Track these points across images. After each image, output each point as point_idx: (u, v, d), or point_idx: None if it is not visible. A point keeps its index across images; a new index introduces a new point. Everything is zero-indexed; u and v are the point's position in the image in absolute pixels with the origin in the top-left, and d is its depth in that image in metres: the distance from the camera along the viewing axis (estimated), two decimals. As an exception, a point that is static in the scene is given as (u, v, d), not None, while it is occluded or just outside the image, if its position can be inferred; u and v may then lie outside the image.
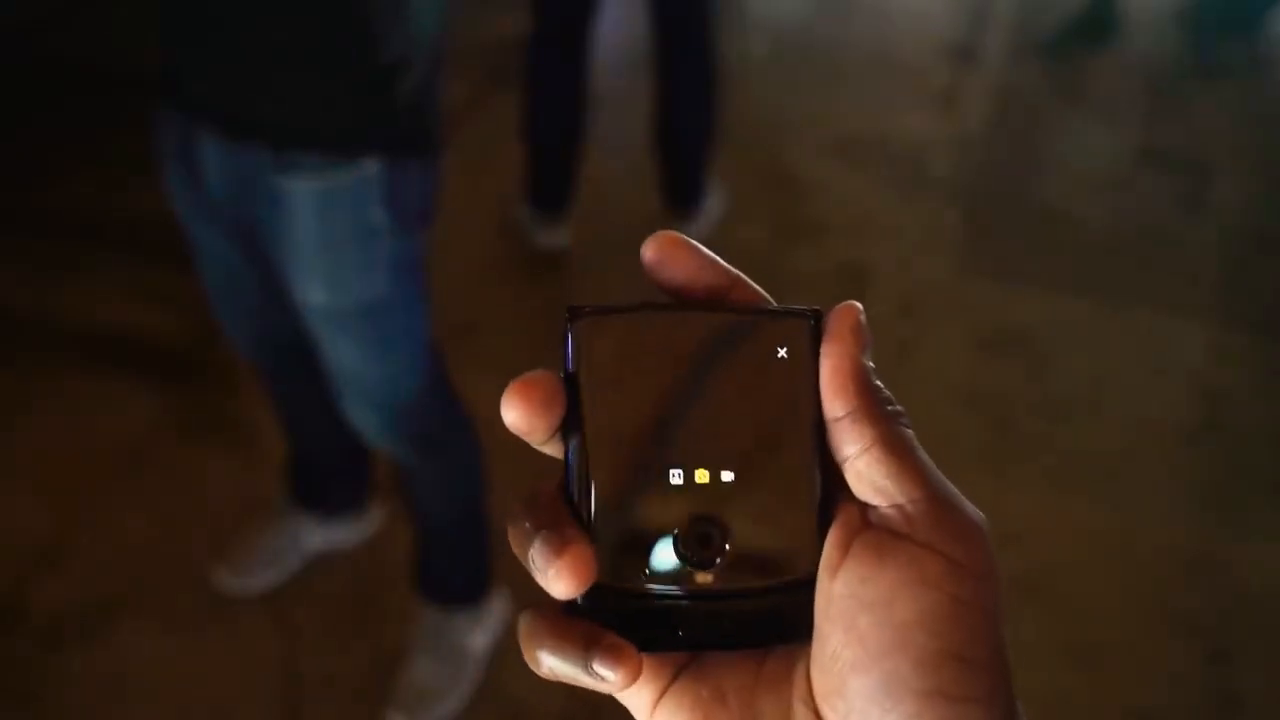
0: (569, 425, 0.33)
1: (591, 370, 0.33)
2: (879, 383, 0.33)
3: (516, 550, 0.32)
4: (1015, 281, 2.44)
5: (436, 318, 1.43)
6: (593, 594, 0.32)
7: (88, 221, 2.45)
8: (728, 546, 0.33)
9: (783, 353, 0.33)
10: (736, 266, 0.35)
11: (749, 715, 0.33)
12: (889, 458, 0.31)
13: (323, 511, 1.76)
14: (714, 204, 2.45)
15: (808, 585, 0.33)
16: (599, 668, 0.31)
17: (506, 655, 1.68)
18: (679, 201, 2.41)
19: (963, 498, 0.32)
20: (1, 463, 1.96)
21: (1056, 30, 3.18)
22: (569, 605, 0.33)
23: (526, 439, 0.33)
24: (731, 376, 0.33)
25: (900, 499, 0.31)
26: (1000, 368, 2.22)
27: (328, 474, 1.74)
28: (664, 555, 0.33)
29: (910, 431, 0.32)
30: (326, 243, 1.25)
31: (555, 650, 0.32)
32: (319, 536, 1.78)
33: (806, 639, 0.33)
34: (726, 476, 0.33)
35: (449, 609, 1.65)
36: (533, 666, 0.32)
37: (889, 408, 0.32)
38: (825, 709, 0.32)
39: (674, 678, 0.34)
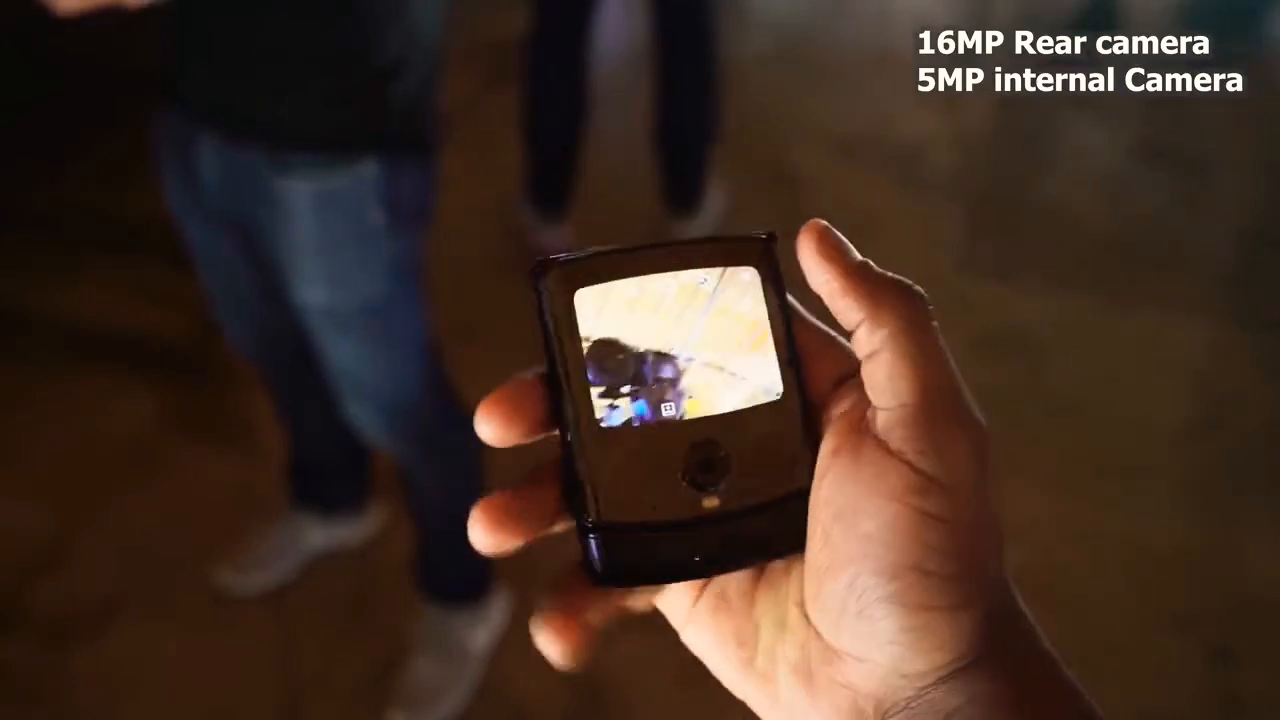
0: (553, 376, 0.33)
1: (567, 317, 0.33)
2: (882, 272, 0.33)
3: None
4: (1016, 280, 2.44)
5: (436, 318, 1.43)
6: (607, 532, 0.33)
7: (88, 221, 2.45)
8: (729, 468, 0.33)
9: (748, 275, 0.34)
10: None
11: (750, 617, 0.34)
12: (892, 359, 0.31)
13: (323, 511, 1.76)
14: (714, 203, 2.45)
15: (805, 496, 0.33)
16: (538, 636, 0.33)
17: (507, 653, 1.68)
18: (680, 201, 2.41)
19: (965, 404, 0.32)
20: (1, 463, 1.96)
21: (1057, 27, 3.18)
22: (589, 539, 0.33)
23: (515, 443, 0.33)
24: (705, 304, 0.34)
25: (892, 402, 0.31)
26: (1001, 366, 2.22)
27: (328, 473, 1.74)
28: (668, 486, 0.33)
29: (923, 318, 0.32)
30: (324, 243, 1.25)
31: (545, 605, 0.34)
32: (320, 536, 1.78)
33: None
34: (715, 401, 0.33)
35: (450, 608, 1.65)
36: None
37: (903, 302, 0.32)
38: (809, 611, 0.33)
39: (702, 589, 0.35)
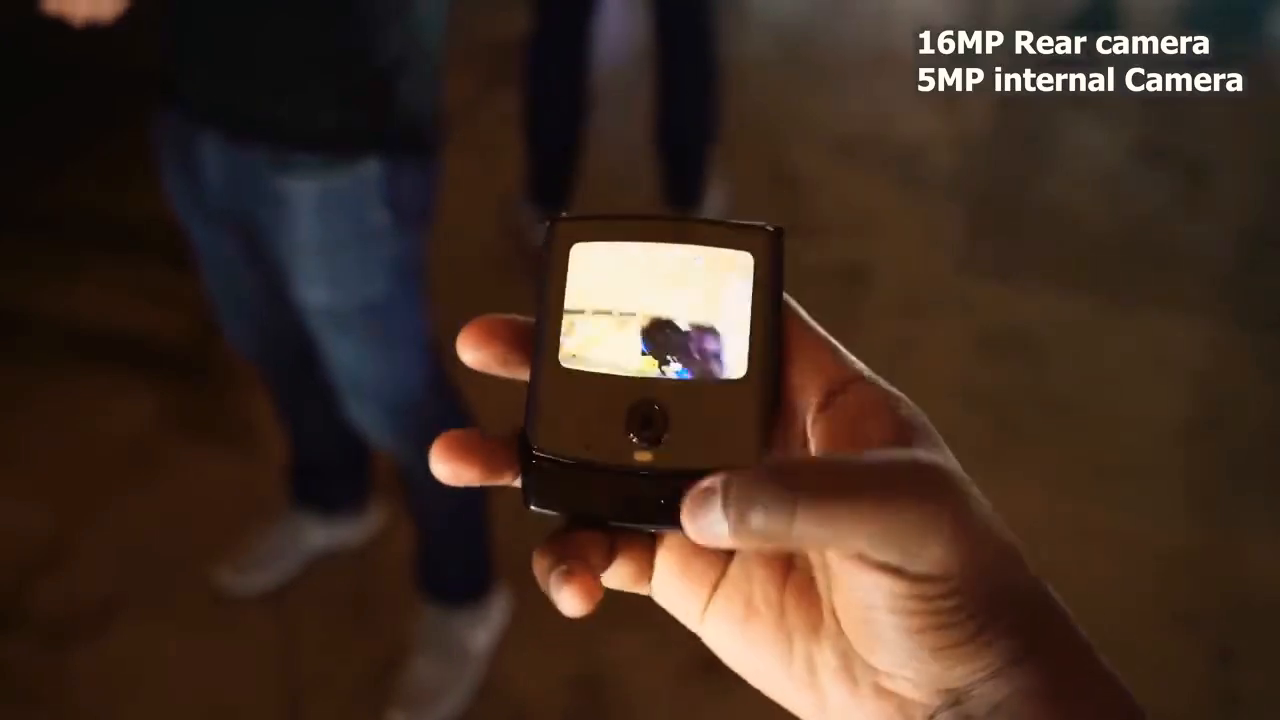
0: (539, 314, 0.35)
1: (559, 266, 0.35)
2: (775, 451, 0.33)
3: None
4: (1016, 280, 2.44)
5: (436, 317, 1.43)
6: (542, 460, 0.34)
7: (88, 221, 2.45)
8: (668, 428, 0.34)
9: (744, 260, 0.35)
10: None
11: (782, 626, 0.34)
12: (823, 525, 0.29)
13: (323, 511, 1.76)
14: (714, 203, 2.45)
15: None
16: (553, 590, 0.32)
17: (507, 653, 1.68)
18: (680, 200, 2.41)
19: (907, 493, 0.29)
20: (2, 462, 1.96)
21: (1057, 27, 3.18)
22: (527, 463, 0.34)
23: (489, 369, 0.35)
24: (695, 279, 0.35)
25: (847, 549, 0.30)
26: (1001, 366, 2.22)
27: (329, 473, 1.74)
28: (608, 433, 0.34)
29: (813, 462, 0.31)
30: (327, 243, 1.25)
31: (536, 559, 0.33)
32: (320, 536, 1.78)
33: None
34: (676, 368, 0.35)
35: (450, 608, 1.64)
36: None
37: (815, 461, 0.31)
38: (844, 628, 0.33)
39: (713, 590, 0.35)
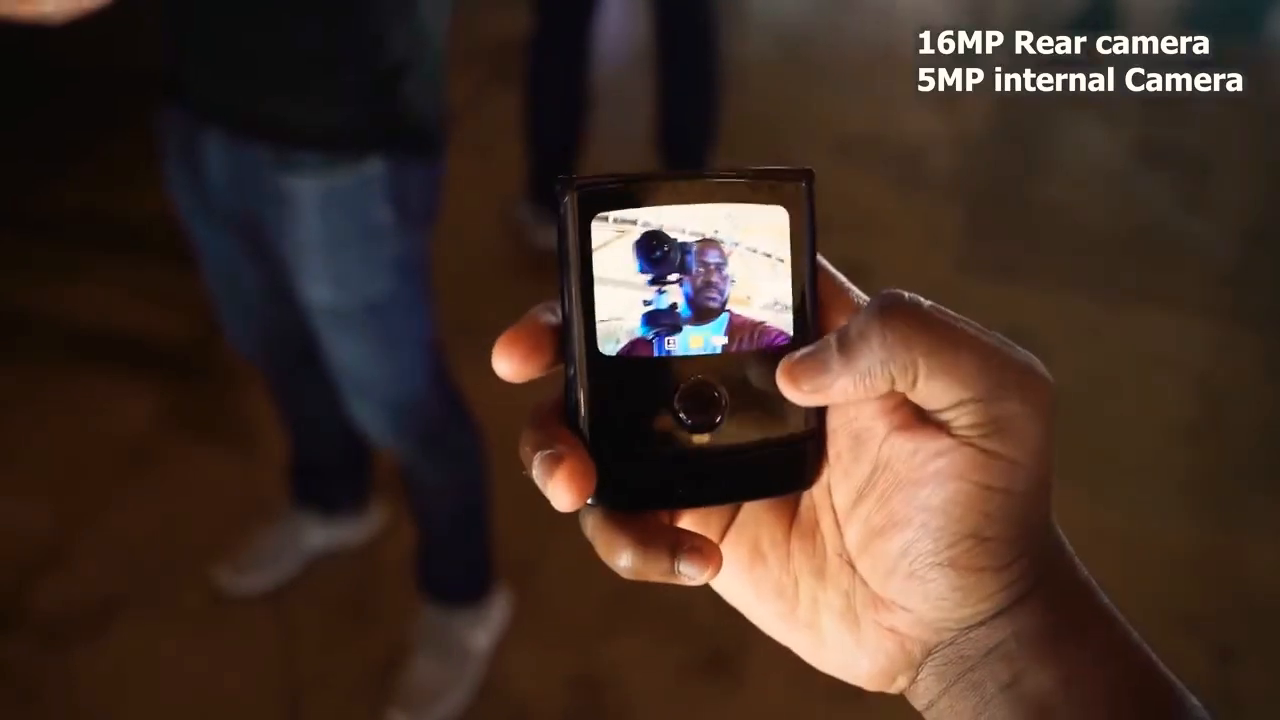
0: (562, 302, 0.33)
1: (580, 244, 0.33)
2: (857, 322, 0.32)
3: (526, 468, 0.33)
4: (1016, 280, 2.44)
5: (437, 317, 1.43)
6: (599, 459, 0.33)
7: (88, 221, 2.45)
8: (722, 407, 0.33)
9: (776, 215, 0.34)
10: None
11: (788, 569, 0.35)
12: (932, 374, 0.31)
13: (324, 511, 1.76)
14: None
15: (800, 441, 0.34)
16: (684, 569, 0.32)
17: (507, 653, 1.68)
18: (679, 201, 2.41)
19: (1015, 365, 0.32)
20: (2, 462, 1.96)
21: (1057, 27, 3.18)
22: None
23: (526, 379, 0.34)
24: (724, 240, 0.33)
25: (949, 402, 0.31)
26: (1001, 367, 2.22)
27: (329, 473, 1.74)
28: (661, 420, 0.33)
29: (922, 313, 0.32)
30: (330, 242, 1.25)
31: (639, 553, 0.32)
32: (320, 536, 1.78)
33: (798, 489, 0.34)
34: (720, 340, 0.33)
35: (450, 608, 1.64)
36: (610, 565, 0.33)
37: (896, 316, 0.32)
38: (856, 562, 0.33)
39: (721, 537, 0.35)
